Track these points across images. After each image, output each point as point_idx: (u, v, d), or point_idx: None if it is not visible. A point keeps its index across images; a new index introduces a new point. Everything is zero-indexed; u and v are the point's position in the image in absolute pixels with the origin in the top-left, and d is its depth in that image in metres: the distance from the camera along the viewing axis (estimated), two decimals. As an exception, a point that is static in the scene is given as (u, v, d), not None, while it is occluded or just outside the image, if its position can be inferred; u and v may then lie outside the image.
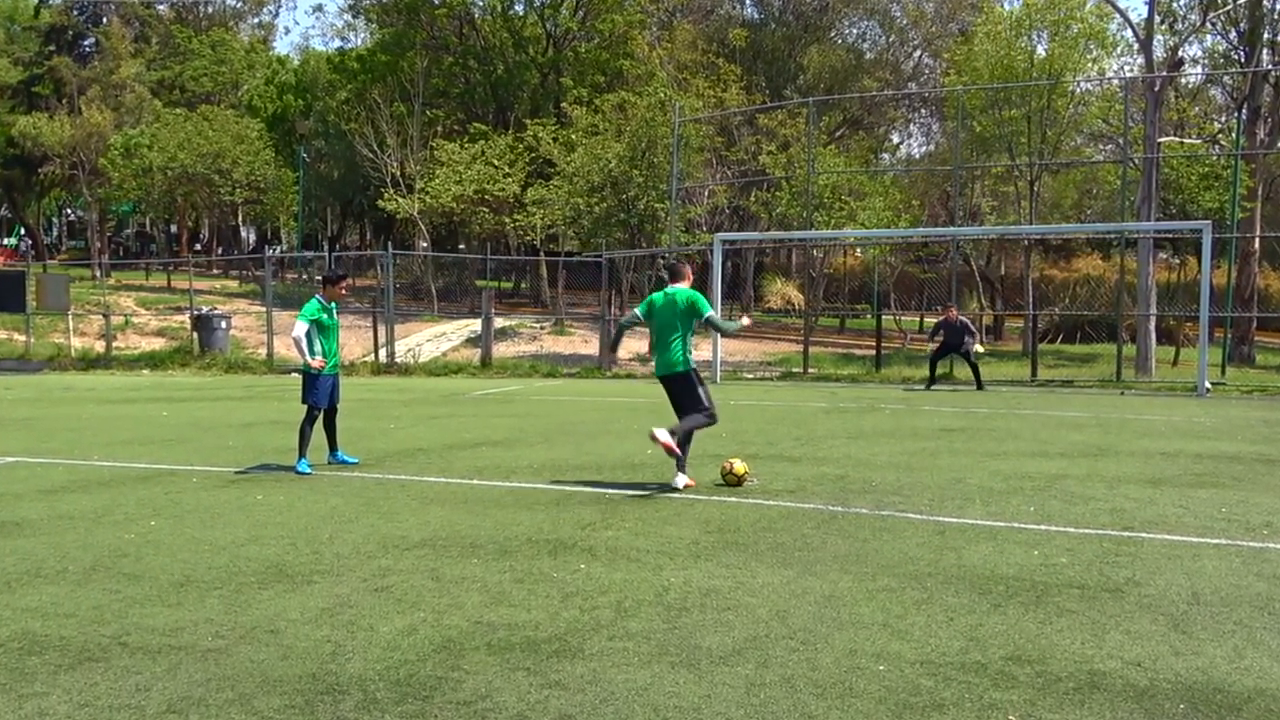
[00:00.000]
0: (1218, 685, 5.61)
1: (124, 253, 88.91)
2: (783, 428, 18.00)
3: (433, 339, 43.10)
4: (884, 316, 45.95)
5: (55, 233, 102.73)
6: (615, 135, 41.92)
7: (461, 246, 66.70)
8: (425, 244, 61.45)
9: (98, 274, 56.60)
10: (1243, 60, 43.40)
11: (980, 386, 27.43)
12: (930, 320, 55.26)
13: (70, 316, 41.38)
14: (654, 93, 43.83)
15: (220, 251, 76.86)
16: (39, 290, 41.74)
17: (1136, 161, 34.56)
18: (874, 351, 36.01)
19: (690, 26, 61.35)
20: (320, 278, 13.99)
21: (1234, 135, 41.35)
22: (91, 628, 6.56)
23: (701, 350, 39.41)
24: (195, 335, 38.54)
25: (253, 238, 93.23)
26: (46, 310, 41.41)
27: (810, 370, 33.56)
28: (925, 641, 6.29)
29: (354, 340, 37.94)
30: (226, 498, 11.30)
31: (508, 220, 50.72)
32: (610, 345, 14.09)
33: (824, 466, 13.26)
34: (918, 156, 71.63)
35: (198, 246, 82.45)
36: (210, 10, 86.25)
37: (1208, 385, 27.02)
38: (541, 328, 46.82)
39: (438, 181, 50.74)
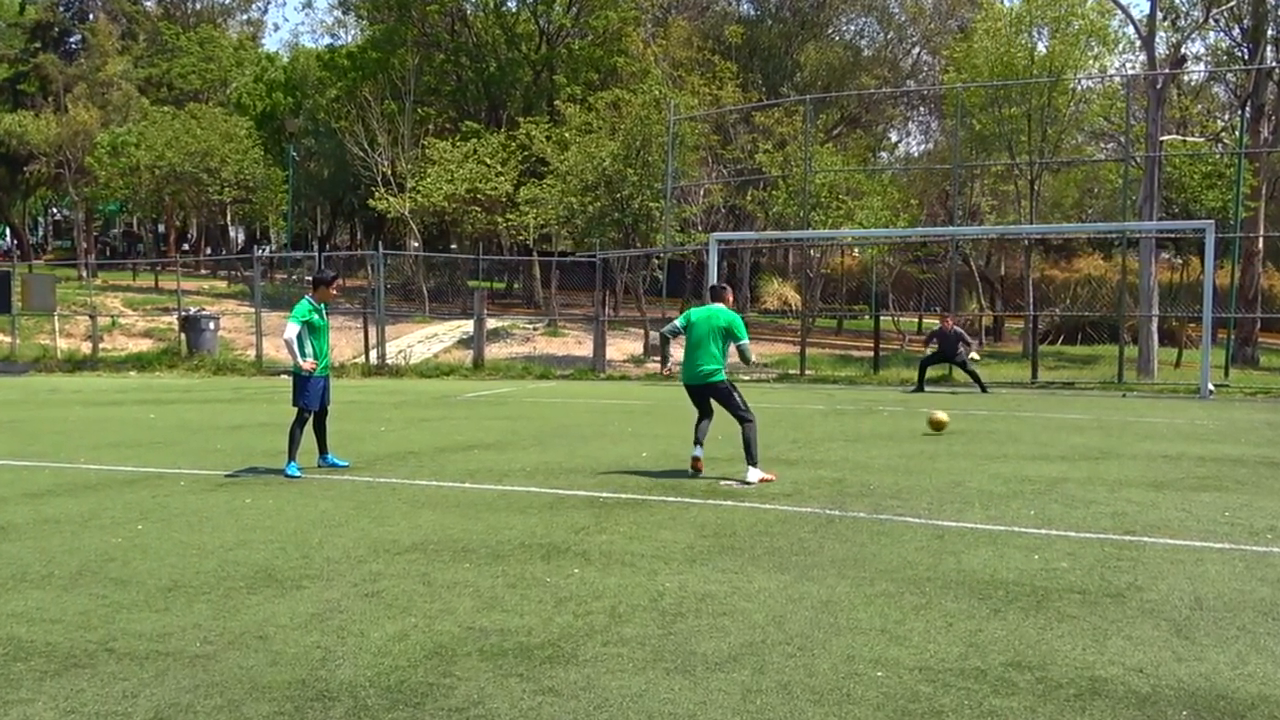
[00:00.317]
0: (1221, 692, 5.62)
1: (111, 253, 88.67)
2: (779, 430, 18.01)
3: (424, 340, 43.09)
4: (882, 317, 45.99)
5: (41, 232, 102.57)
6: (609, 133, 41.89)
7: (453, 246, 66.69)
8: (417, 244, 61.38)
9: (84, 274, 56.51)
10: (1246, 57, 43.47)
11: (984, 389, 27.41)
12: (929, 322, 55.45)
13: (56, 317, 41.32)
14: (648, 90, 43.81)
15: (208, 251, 76.63)
16: (24, 291, 41.68)
17: (1138, 160, 34.59)
18: (872, 353, 36.03)
19: (685, 23, 61.29)
20: (310, 279, 13.98)
21: (1237, 133, 41.43)
22: (78, 633, 6.56)
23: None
24: (183, 336, 38.51)
25: (241, 237, 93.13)
26: (32, 311, 41.37)
27: (807, 372, 33.56)
28: (924, 647, 6.30)
29: (344, 341, 37.92)
30: (215, 501, 11.30)
31: (500, 220, 50.62)
32: (663, 356, 14.76)
33: (821, 470, 13.28)
34: (916, 155, 71.66)
35: (185, 246, 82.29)
36: (198, 7, 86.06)
37: (1211, 387, 27.03)
38: (535, 329, 46.80)
39: (429, 180, 50.67)
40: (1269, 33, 43.06)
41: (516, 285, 66.91)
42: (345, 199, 71.92)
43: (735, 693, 5.58)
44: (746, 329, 14.34)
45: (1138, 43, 39.40)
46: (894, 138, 73.39)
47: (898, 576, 8.00)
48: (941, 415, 17.42)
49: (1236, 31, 44.84)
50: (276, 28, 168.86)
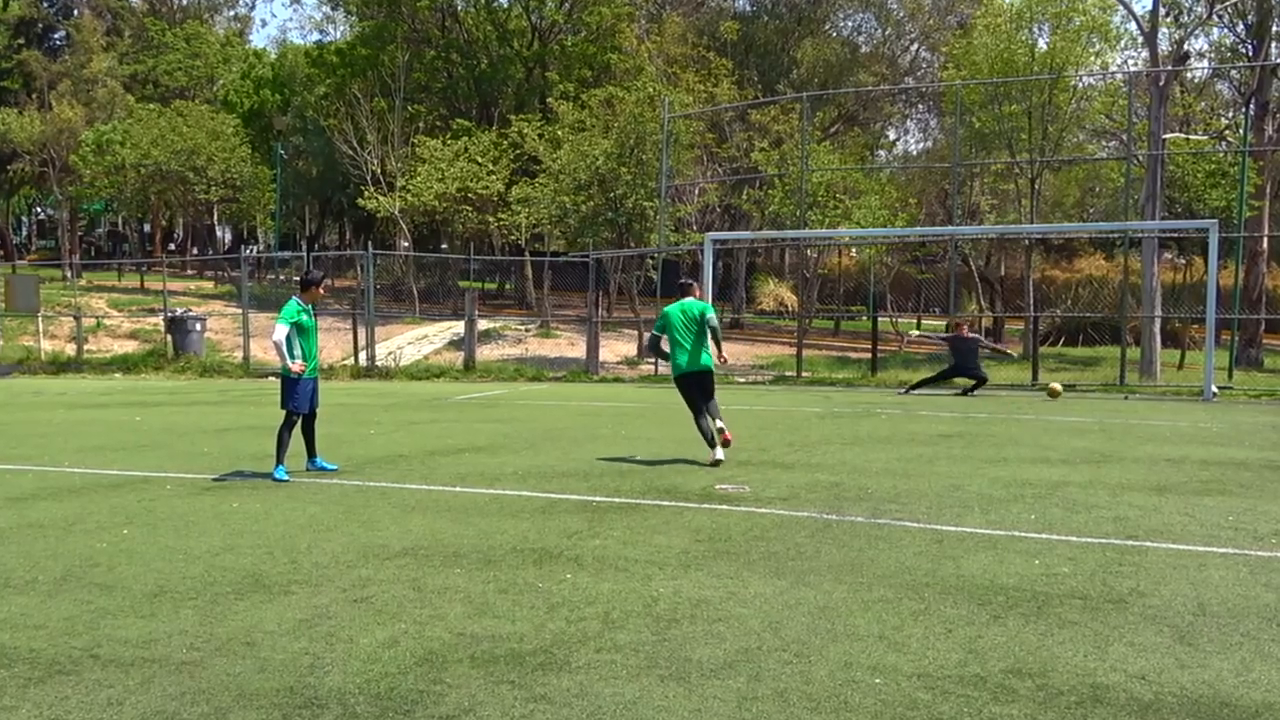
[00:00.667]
0: (1224, 699, 5.63)
1: (96, 253, 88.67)
2: (775, 433, 18.02)
3: (414, 342, 43.07)
4: (880, 318, 45.99)
5: (25, 232, 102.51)
6: (603, 131, 41.90)
7: (444, 246, 66.65)
8: (407, 244, 61.38)
9: (69, 274, 56.51)
10: (1251, 54, 43.45)
11: (969, 392, 27.45)
12: (928, 323, 55.42)
13: (40, 318, 41.30)
14: (643, 87, 43.83)
15: (195, 251, 76.64)
16: (8, 291, 41.67)
17: (1141, 158, 34.60)
18: (870, 355, 36.02)
19: (680, 19, 61.29)
20: (298, 280, 13.98)
21: (1241, 131, 41.44)
22: (62, 640, 6.56)
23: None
24: (169, 338, 38.47)
25: (228, 237, 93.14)
26: (16, 312, 41.35)
27: (804, 374, 33.54)
28: (923, 654, 6.31)
29: (333, 343, 37.92)
30: (201, 505, 11.30)
31: (492, 219, 50.61)
32: (661, 356, 15.49)
33: (818, 473, 13.28)
34: (915, 153, 71.69)
35: (172, 246, 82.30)
36: (184, 2, 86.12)
37: (1214, 389, 27.04)
38: (527, 330, 46.80)
39: (419, 179, 50.63)
40: (1274, 28, 43.01)
41: (508, 286, 66.91)
42: (334, 198, 71.93)
43: (731, 700, 5.58)
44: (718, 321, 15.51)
45: (1140, 39, 39.44)
46: (892, 136, 73.42)
47: (896, 582, 8.01)
48: (1057, 386, 22.36)
49: (1240, 27, 44.80)
50: (264, 24, 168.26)
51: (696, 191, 47.01)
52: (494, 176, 50.42)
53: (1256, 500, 11.53)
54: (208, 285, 61.44)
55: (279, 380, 13.64)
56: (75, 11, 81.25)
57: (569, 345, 42.67)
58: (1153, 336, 32.03)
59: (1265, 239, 40.36)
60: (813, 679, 5.88)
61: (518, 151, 49.83)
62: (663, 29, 59.11)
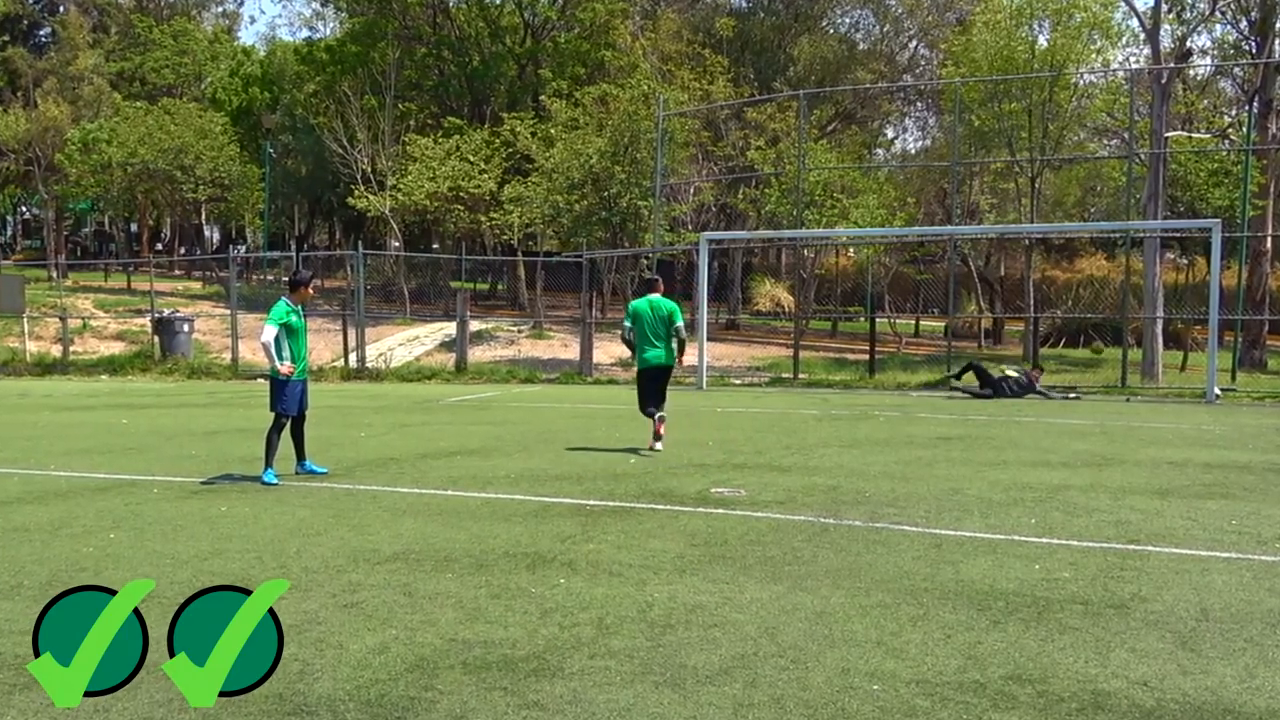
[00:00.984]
0: (1228, 706, 5.63)
1: (82, 252, 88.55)
2: (772, 436, 18.03)
3: (405, 343, 43.05)
4: (878, 319, 46.02)
5: (9, 232, 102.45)
6: (596, 130, 41.94)
7: (435, 246, 66.75)
8: (397, 243, 61.34)
9: (54, 275, 56.37)
10: (1254, 51, 43.49)
11: (975, 395, 27.49)
12: (928, 324, 55.50)
13: (25, 319, 41.22)
14: (637, 85, 43.88)
15: (183, 251, 76.68)
16: (-8, 292, 41.65)
17: (1142, 157, 34.64)
18: (867, 356, 36.03)
19: (675, 16, 61.41)
20: (286, 280, 13.98)
21: (1244, 129, 41.49)
22: (47, 646, 6.55)
23: (687, 354, 39.49)
24: (156, 339, 38.44)
25: (217, 237, 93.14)
26: (0, 313, 41.29)
27: (801, 376, 33.55)
28: (921, 660, 6.31)
29: (323, 344, 37.89)
30: (189, 509, 11.29)
31: (484, 219, 50.63)
32: (630, 346, 16.16)
33: (815, 476, 13.28)
34: (913, 152, 71.80)
35: (159, 246, 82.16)
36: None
37: (1217, 391, 27.08)
38: (519, 331, 46.77)
39: (410, 178, 50.64)
40: (1277, 25, 43.08)
41: (501, 286, 66.92)
42: (324, 197, 71.91)
43: (726, 706, 5.58)
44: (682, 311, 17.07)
45: (1142, 36, 39.56)
46: (890, 134, 73.52)
47: (894, 587, 8.01)
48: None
49: (1244, 24, 44.83)
50: (253, 20, 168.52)
51: (692, 190, 47.05)
52: (486, 175, 50.45)
53: (1260, 504, 11.54)
54: (195, 285, 61.44)
55: (268, 382, 13.64)
56: (61, 8, 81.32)
57: (562, 347, 42.66)
58: (1155, 338, 32.06)
59: (1269, 239, 40.38)
60: (810, 685, 5.88)
61: (510, 150, 49.88)
62: (657, 25, 59.21)
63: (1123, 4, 38.56)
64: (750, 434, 18.27)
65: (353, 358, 36.12)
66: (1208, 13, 40.82)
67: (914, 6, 62.91)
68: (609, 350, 35.97)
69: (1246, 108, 44.11)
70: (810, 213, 39.09)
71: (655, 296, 16.59)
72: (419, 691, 5.81)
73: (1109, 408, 24.80)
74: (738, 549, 9.25)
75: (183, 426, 20.09)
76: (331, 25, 76.38)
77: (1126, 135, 39.25)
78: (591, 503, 11.54)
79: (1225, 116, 50.36)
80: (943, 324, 52.06)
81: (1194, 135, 42.45)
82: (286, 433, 13.41)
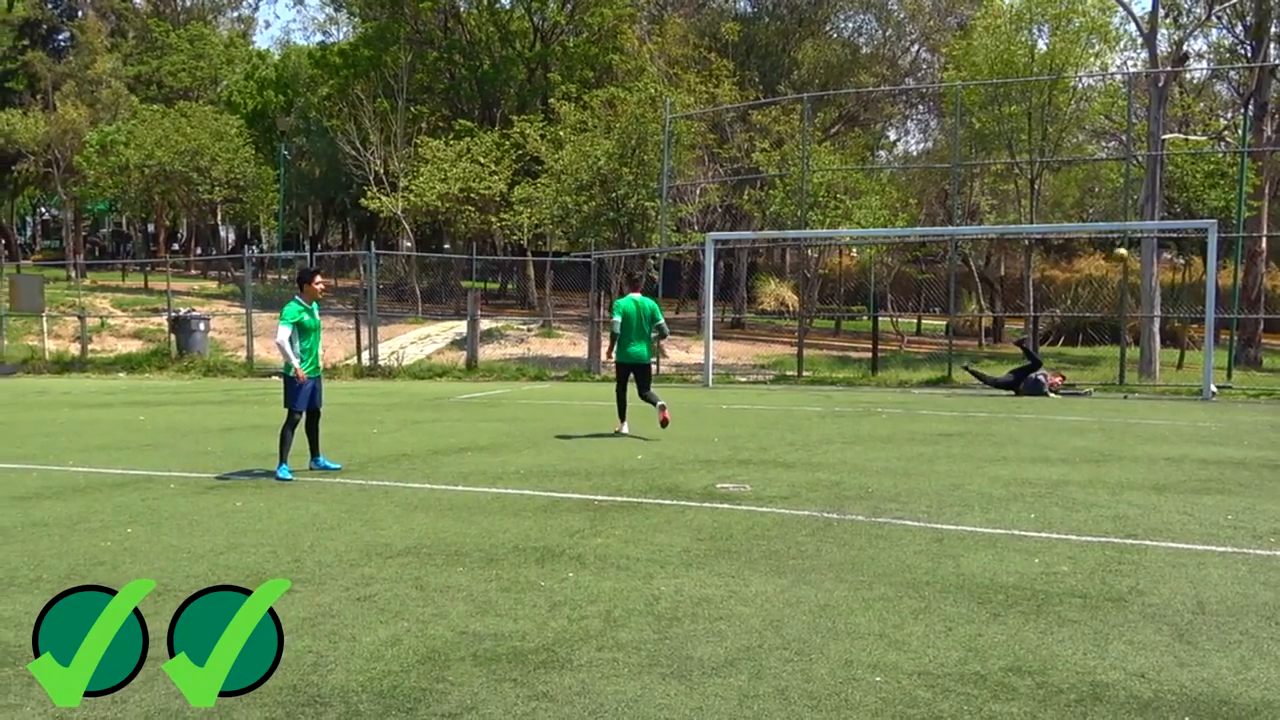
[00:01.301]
0: (1223, 697, 5.62)
1: (100, 253, 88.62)
2: (776, 432, 18.02)
3: (417, 341, 43.05)
4: (880, 318, 45.99)
5: (29, 232, 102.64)
6: (604, 132, 41.89)
7: (446, 246, 66.74)
8: (409, 244, 61.36)
9: (73, 274, 56.49)
10: (1249, 55, 43.44)
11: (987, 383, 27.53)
12: (930, 323, 55.45)
13: (45, 318, 41.29)
14: (644, 88, 43.83)
15: (199, 251, 76.70)
16: (12, 291, 41.66)
17: (1140, 159, 34.59)
18: (870, 354, 36.00)
19: (681, 20, 61.31)
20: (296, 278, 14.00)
21: (1240, 132, 41.44)
22: (66, 638, 6.55)
23: (693, 353, 39.46)
24: (173, 337, 38.45)
25: (232, 237, 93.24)
26: (20, 312, 41.34)
27: (805, 373, 33.51)
28: (923, 652, 6.30)
29: (336, 342, 37.88)
30: (205, 504, 11.30)
31: (494, 219, 50.63)
32: (615, 345, 16.67)
33: (819, 472, 13.26)
34: (915, 154, 71.62)
35: (175, 246, 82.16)
36: (188, 4, 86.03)
37: (1213, 389, 27.03)
38: (529, 329, 46.78)
39: (422, 179, 50.64)
40: (1272, 29, 43.01)
41: (511, 286, 66.93)
42: (337, 198, 71.99)
43: (732, 698, 5.58)
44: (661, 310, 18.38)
45: (1139, 40, 39.38)
46: (892, 136, 73.36)
47: (896, 580, 8.00)
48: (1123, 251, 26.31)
49: (1239, 28, 44.80)
50: (268, 25, 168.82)
51: (698, 192, 47.01)
52: (496, 177, 50.43)
53: (1255, 499, 11.52)
54: (211, 285, 61.50)
55: (282, 380, 13.66)
56: (79, 13, 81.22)
57: (571, 345, 42.66)
58: (1152, 336, 32.02)
59: (1264, 239, 40.36)
60: (813, 677, 5.88)
61: (520, 152, 49.84)
62: (664, 30, 59.14)
63: (1120, 9, 38.46)
64: (755, 430, 18.26)
65: (365, 356, 36.11)
66: (1204, 17, 40.77)
67: (916, 11, 62.79)
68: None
69: (1242, 111, 44.04)
70: (814, 213, 39.03)
71: (638, 295, 17.90)
72: (430, 683, 5.81)
73: (1107, 405, 24.77)
74: (743, 543, 9.25)
75: (199, 423, 20.11)
76: (345, 30, 76.37)
77: (1124, 137, 39.23)
78: (599, 498, 11.53)
79: (1221, 119, 50.25)
80: (944, 323, 52.03)
81: (1190, 137, 42.37)
82: (301, 429, 13.42)
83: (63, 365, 37.68)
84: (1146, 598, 7.52)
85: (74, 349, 39.94)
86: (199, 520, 10.39)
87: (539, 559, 8.68)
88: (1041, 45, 41.69)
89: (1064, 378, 29.11)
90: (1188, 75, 47.65)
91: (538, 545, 9.16)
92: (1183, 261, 49.43)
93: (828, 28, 65.53)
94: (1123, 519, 10.30)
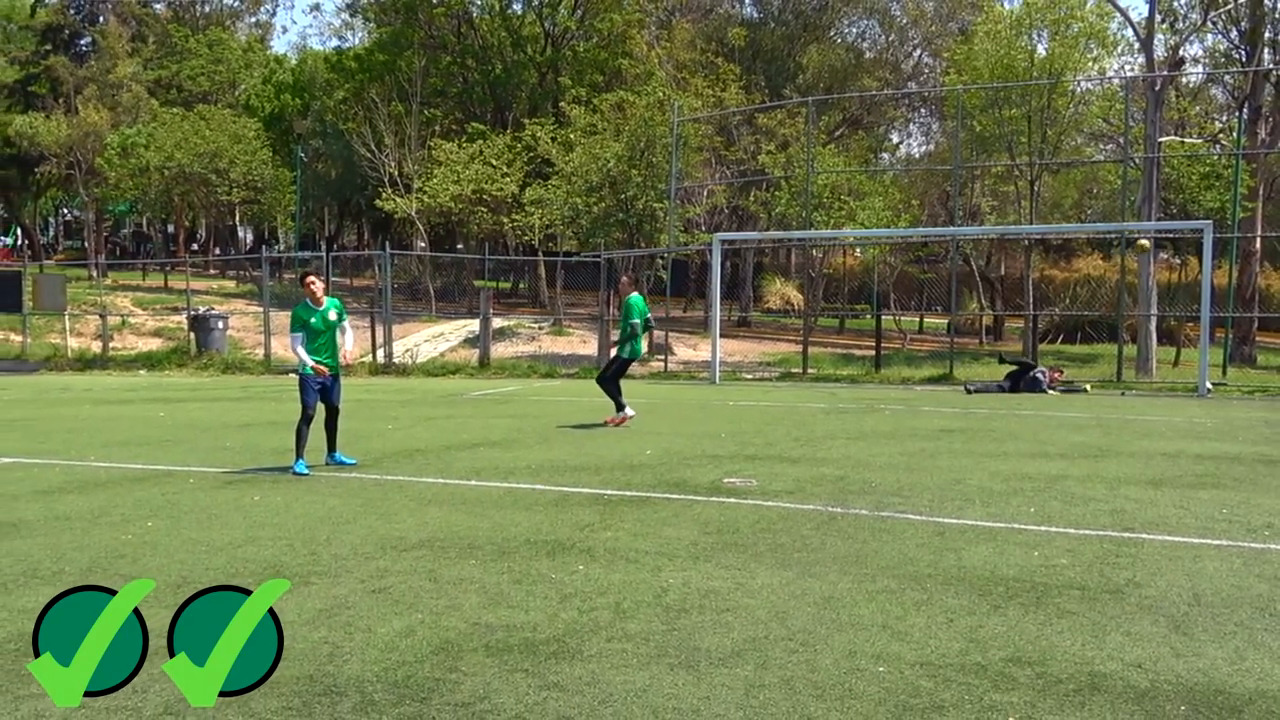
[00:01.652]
0: (1219, 687, 5.62)
1: (121, 252, 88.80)
2: (782, 428, 18.01)
3: (431, 339, 43.07)
4: (883, 317, 45.94)
5: (52, 232, 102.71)
6: (614, 135, 41.88)
7: (459, 246, 66.67)
8: (423, 244, 61.46)
9: (94, 274, 56.48)
10: (1244, 59, 43.37)
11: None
12: (932, 321, 55.39)
13: (67, 317, 41.36)
14: (652, 92, 43.82)
15: (217, 251, 76.76)
16: (35, 290, 41.74)
17: (1137, 161, 34.54)
18: (873, 352, 35.98)
19: (689, 25, 61.30)
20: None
21: (1235, 135, 41.35)
22: (88, 629, 6.56)
23: (701, 350, 39.48)
24: (192, 335, 38.53)
25: (250, 237, 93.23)
26: (43, 310, 41.41)
27: (809, 371, 33.51)
28: (925, 643, 6.30)
29: (352, 340, 37.81)
30: (223, 499, 11.31)
31: (506, 220, 50.65)
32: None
33: (823, 467, 13.26)
34: (917, 156, 71.55)
35: (195, 246, 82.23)
36: (207, 9, 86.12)
37: (1209, 386, 27.00)
38: (540, 328, 46.78)
39: (435, 181, 50.67)
40: (1266, 35, 42.97)
41: (522, 285, 66.98)
42: (353, 199, 71.97)
43: (738, 688, 5.58)
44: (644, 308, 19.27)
45: (1136, 45, 39.36)
46: (895, 139, 73.28)
47: (899, 573, 8.00)
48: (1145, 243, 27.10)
49: (1234, 34, 44.74)
50: (285, 30, 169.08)
51: (705, 193, 46.98)
52: (508, 178, 50.44)
53: (1250, 493, 11.51)
54: (230, 284, 61.57)
55: (297, 377, 13.70)
56: (101, 18, 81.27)
57: (581, 343, 42.66)
58: (1149, 334, 31.99)
59: (1258, 239, 40.31)
60: (818, 667, 5.88)
61: (531, 154, 49.81)
62: (672, 35, 59.15)
63: (1118, 14, 38.40)
64: (761, 426, 18.26)
65: (380, 353, 36.15)
66: (1199, 23, 40.78)
67: (918, 17, 62.75)
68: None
69: (1237, 114, 43.93)
70: (818, 214, 38.99)
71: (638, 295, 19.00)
72: (444, 673, 5.82)
73: (1105, 401, 24.74)
74: (749, 537, 9.25)
75: (217, 419, 20.14)
76: (360, 35, 76.51)
77: (1122, 140, 39.10)
78: (609, 492, 11.54)
79: (1216, 122, 50.13)
80: (945, 321, 51.95)
81: (1186, 140, 42.28)
82: (319, 425, 13.44)
83: (85, 363, 37.76)
84: (1143, 590, 7.51)
85: (95, 347, 40.00)
86: (218, 514, 10.41)
87: (550, 552, 8.68)
88: (1041, 50, 41.60)
89: (1062, 372, 29.12)
90: (1184, 79, 47.58)
91: (549, 539, 9.17)
92: (1179, 261, 49.34)
93: (832, 33, 65.50)
94: (1120, 513, 10.29)
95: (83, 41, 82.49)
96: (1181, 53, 39.47)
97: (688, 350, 41.15)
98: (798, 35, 62.53)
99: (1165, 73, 34.39)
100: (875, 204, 40.46)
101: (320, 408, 13.50)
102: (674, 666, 5.90)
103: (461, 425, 18.87)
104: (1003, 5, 46.61)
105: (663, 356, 35.46)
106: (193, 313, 39.73)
